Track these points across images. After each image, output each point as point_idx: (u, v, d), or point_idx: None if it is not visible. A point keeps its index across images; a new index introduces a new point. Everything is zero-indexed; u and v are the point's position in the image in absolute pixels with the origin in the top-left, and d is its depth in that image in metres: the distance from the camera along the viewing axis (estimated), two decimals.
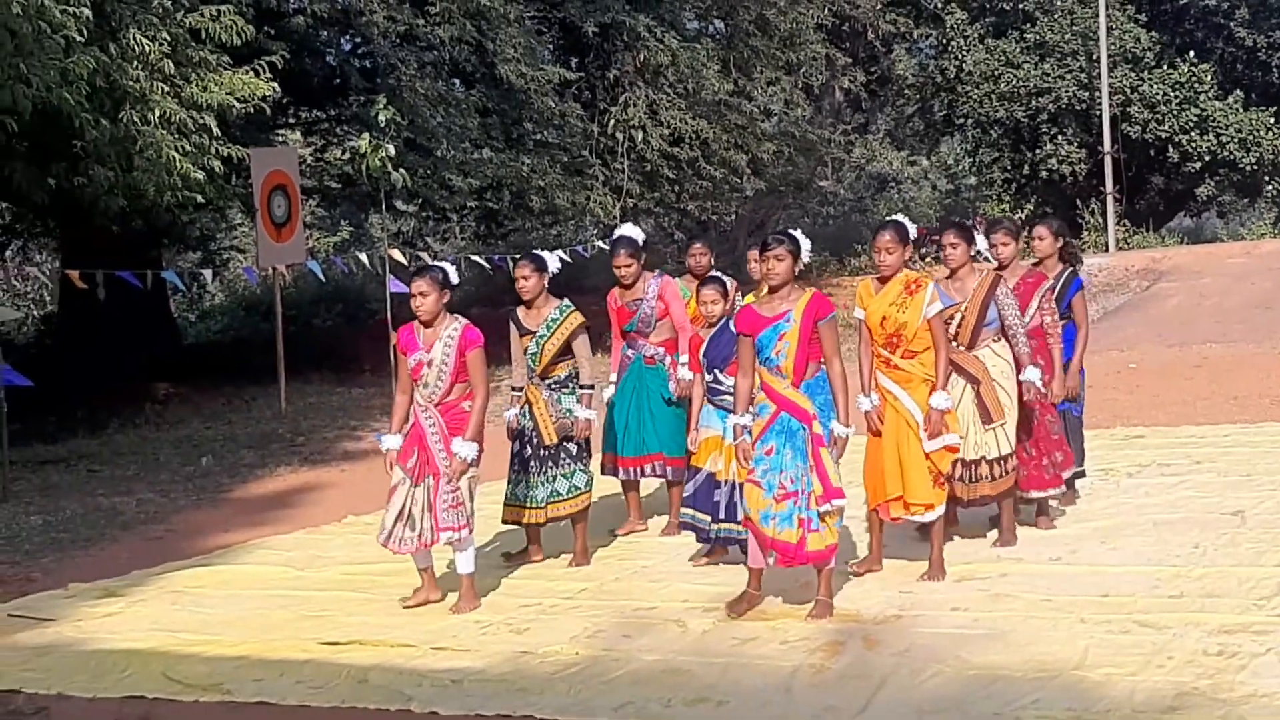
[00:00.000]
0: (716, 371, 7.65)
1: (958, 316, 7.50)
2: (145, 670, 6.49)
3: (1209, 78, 30.98)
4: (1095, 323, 20.68)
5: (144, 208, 14.17)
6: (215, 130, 13.58)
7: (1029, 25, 32.12)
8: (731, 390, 7.06)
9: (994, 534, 7.91)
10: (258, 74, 14.48)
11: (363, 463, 12.55)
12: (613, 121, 21.90)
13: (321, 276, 19.85)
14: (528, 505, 8.00)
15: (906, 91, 35.22)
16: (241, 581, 8.30)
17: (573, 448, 8.01)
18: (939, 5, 33.15)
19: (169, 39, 13.10)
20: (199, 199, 14.32)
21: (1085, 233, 30.53)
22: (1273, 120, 30.95)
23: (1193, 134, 30.82)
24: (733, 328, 7.10)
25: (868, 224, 31.50)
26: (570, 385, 7.98)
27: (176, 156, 12.85)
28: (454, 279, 7.30)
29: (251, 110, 14.54)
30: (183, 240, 25.51)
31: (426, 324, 7.18)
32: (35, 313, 27.64)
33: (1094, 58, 30.43)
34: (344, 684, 6.11)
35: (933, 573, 7.18)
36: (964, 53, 32.29)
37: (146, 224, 17.25)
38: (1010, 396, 7.59)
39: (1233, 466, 9.72)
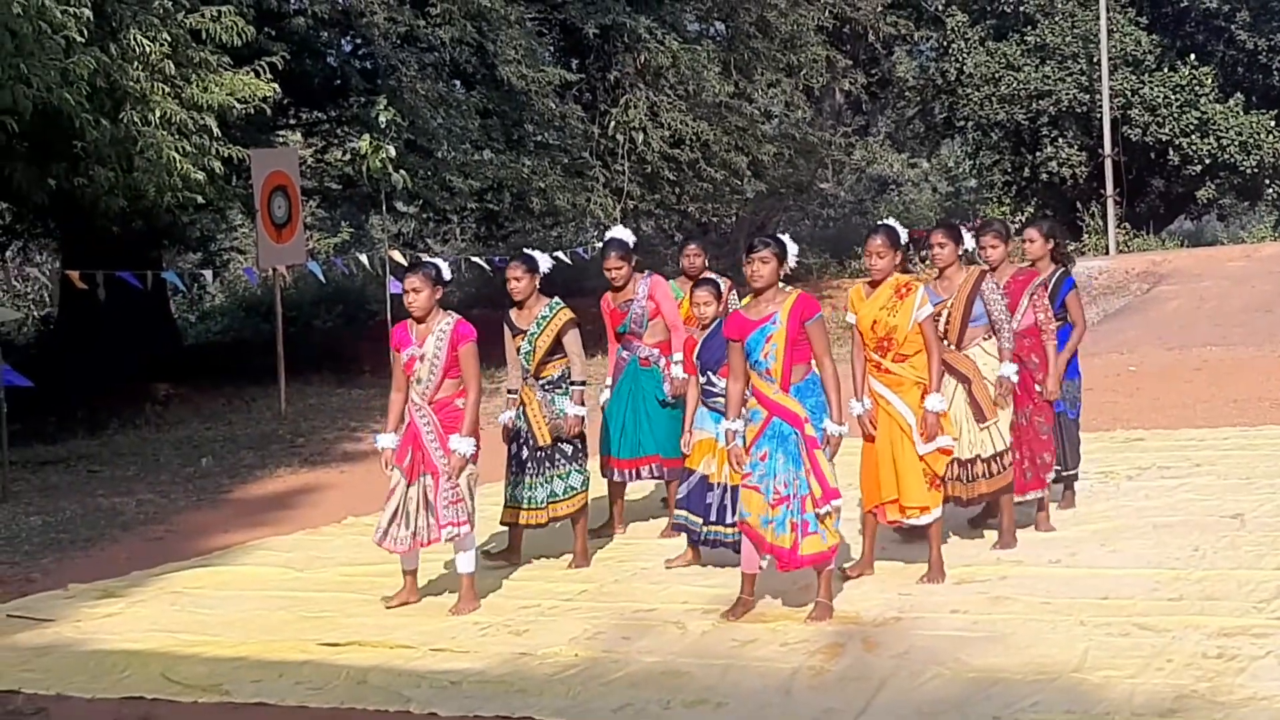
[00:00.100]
0: (710, 373, 7.66)
1: (944, 314, 7.53)
2: (144, 671, 6.49)
3: (1210, 81, 30.99)
4: (1095, 325, 20.74)
5: (144, 208, 14.18)
6: (216, 131, 13.58)
7: (1030, 28, 32.12)
8: (725, 393, 7.07)
9: (994, 536, 7.91)
10: (258, 75, 14.48)
11: (362, 464, 12.55)
12: (613, 123, 21.91)
13: (322, 278, 19.84)
14: (528, 507, 8.02)
15: (907, 94, 35.23)
16: (241, 582, 8.31)
17: (568, 448, 8.04)
18: (940, 8, 33.16)
19: (169, 39, 13.10)
20: (199, 200, 14.33)
21: (1085, 235, 30.54)
22: (1273, 123, 30.95)
23: (1193, 137, 30.82)
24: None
25: (868, 226, 31.46)
26: (564, 386, 8.01)
27: (177, 157, 12.85)
28: (446, 275, 7.37)
29: (252, 111, 14.54)
30: (183, 241, 25.48)
31: (419, 320, 7.23)
32: (35, 313, 27.63)
33: (1095, 60, 30.43)
34: (343, 685, 6.12)
35: (932, 575, 7.18)
36: (965, 55, 32.29)
37: (147, 224, 17.25)
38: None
39: (1232, 470, 9.72)
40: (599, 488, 8.72)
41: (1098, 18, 29.89)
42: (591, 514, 8.41)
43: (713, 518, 7.59)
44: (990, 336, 7.64)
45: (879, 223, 7.37)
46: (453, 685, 6.01)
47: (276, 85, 14.76)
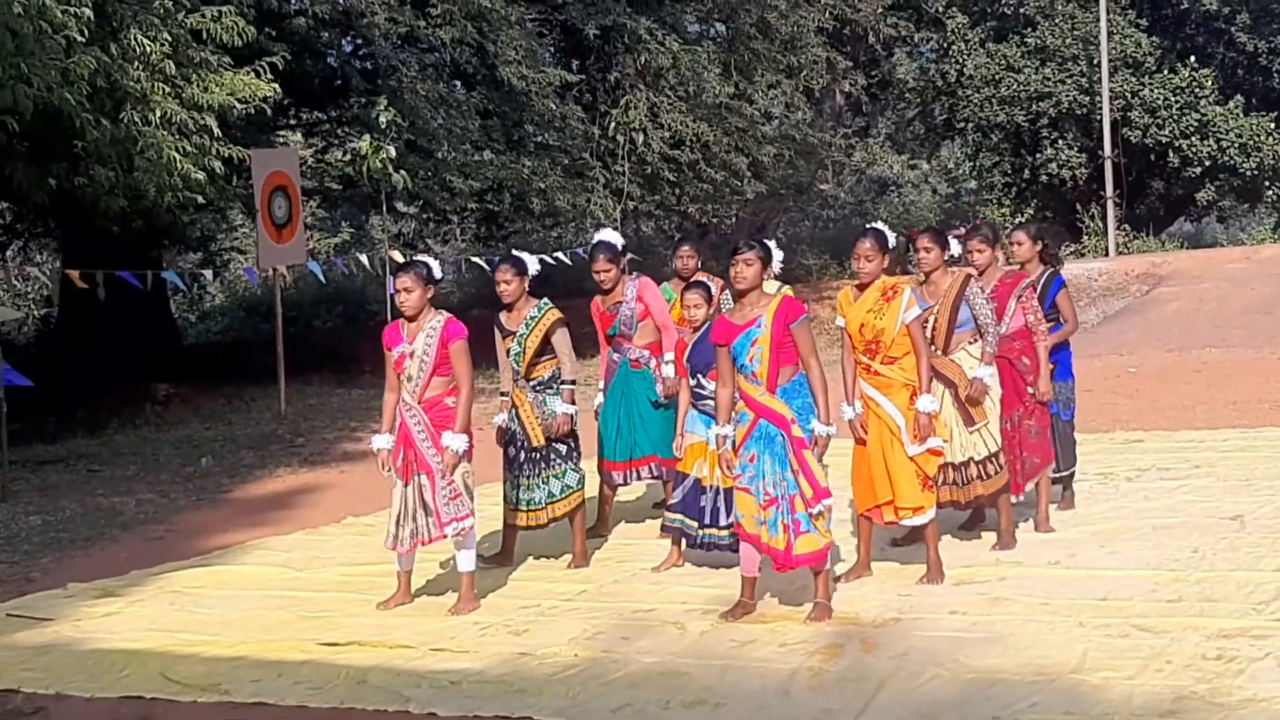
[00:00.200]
0: (700, 376, 7.66)
1: (930, 319, 7.53)
2: (143, 670, 6.49)
3: (1209, 83, 31.00)
4: (1095, 327, 20.77)
5: (144, 208, 14.17)
6: (216, 131, 13.58)
7: (1030, 30, 32.14)
8: (714, 395, 7.08)
9: (992, 537, 7.92)
10: (259, 75, 14.48)
11: (362, 464, 12.54)
12: (613, 124, 21.92)
13: (322, 278, 19.85)
14: (527, 509, 8.03)
15: (907, 95, 35.22)
16: (240, 582, 8.31)
17: (562, 448, 8.06)
18: (940, 9, 33.17)
19: (170, 39, 13.10)
20: (200, 200, 14.33)
21: (1085, 237, 30.57)
22: (1273, 125, 30.98)
23: (1193, 139, 30.84)
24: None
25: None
26: (555, 386, 8.04)
27: (177, 157, 12.85)
28: (437, 274, 7.40)
29: (252, 111, 14.54)
30: (183, 241, 25.47)
31: (411, 319, 7.26)
32: (35, 313, 27.62)
33: (1095, 62, 30.45)
34: (342, 685, 6.12)
35: (931, 576, 7.19)
36: (965, 57, 32.30)
37: (147, 224, 17.24)
38: (992, 398, 7.62)
39: (1232, 471, 9.73)
40: (595, 488, 8.72)
41: (1098, 20, 29.92)
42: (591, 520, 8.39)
43: (707, 521, 7.61)
44: (976, 340, 7.64)
45: (867, 226, 7.38)
46: (452, 685, 6.01)
47: (277, 85, 14.76)
